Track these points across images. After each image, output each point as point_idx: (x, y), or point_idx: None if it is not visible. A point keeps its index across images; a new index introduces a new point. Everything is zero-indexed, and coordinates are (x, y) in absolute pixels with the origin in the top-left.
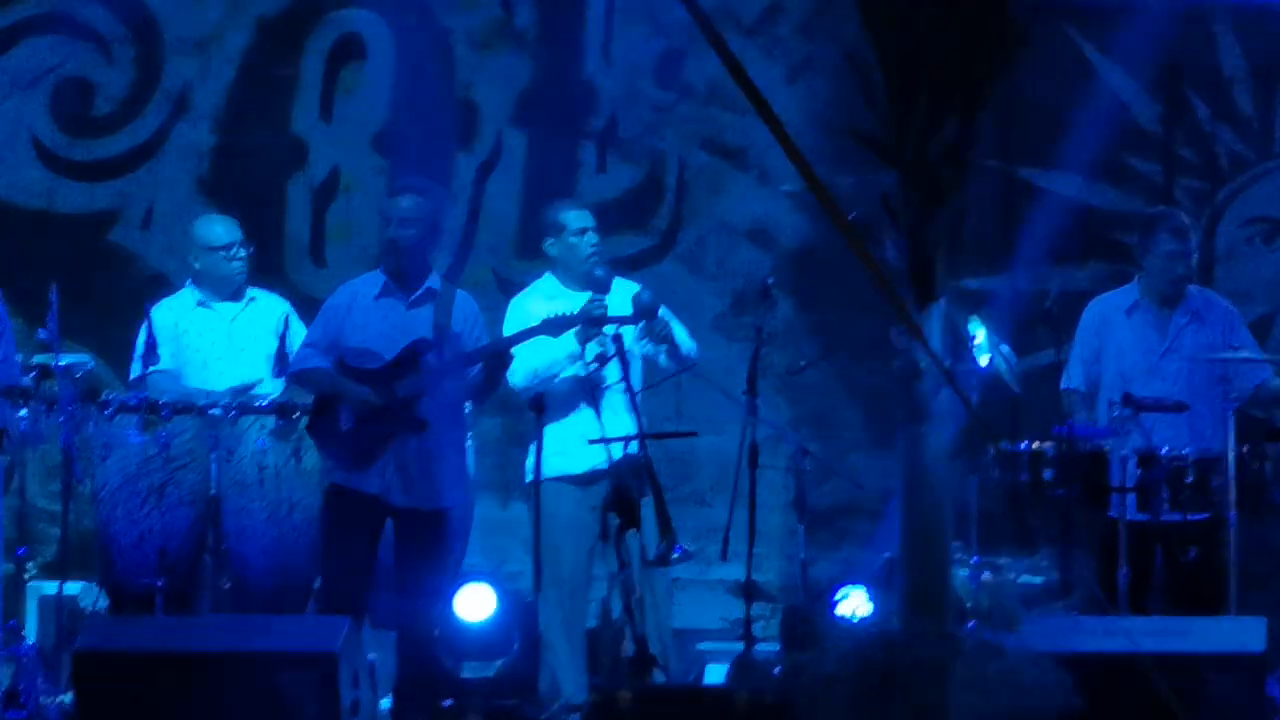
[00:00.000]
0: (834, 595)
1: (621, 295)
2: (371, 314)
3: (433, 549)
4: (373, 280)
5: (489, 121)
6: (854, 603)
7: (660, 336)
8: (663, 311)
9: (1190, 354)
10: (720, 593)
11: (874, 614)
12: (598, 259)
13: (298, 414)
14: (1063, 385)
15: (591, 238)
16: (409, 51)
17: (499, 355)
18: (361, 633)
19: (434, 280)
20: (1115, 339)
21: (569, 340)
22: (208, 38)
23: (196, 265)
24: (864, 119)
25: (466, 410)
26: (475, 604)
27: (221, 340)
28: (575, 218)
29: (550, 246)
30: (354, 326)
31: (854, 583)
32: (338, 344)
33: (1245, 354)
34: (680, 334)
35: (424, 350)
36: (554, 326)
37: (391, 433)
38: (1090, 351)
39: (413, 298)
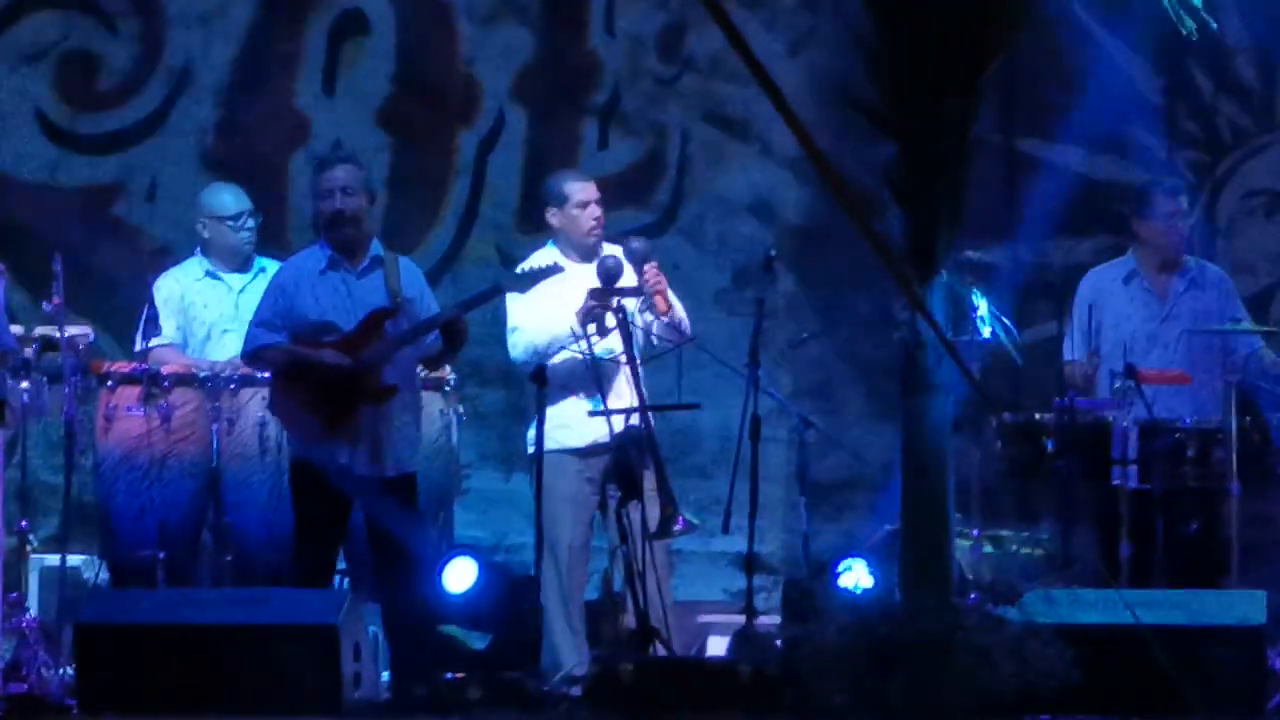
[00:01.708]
0: (836, 567)
1: (625, 270)
2: (322, 288)
3: (407, 515)
4: (316, 255)
5: (491, 97)
6: (856, 575)
7: (655, 287)
8: None
9: (1189, 322)
10: (722, 565)
11: (875, 586)
12: (600, 232)
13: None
14: (1065, 357)
15: (594, 210)
16: (411, 26)
17: (454, 322)
18: (363, 605)
19: (376, 248)
20: (1113, 309)
21: (570, 317)
22: (211, 12)
23: (205, 234)
24: (866, 92)
25: (419, 376)
26: (459, 577)
27: (229, 311)
28: (579, 189)
29: (552, 216)
30: (306, 301)
31: (856, 555)
32: (289, 322)
33: (1245, 325)
34: (674, 299)
35: (383, 319)
36: (521, 282)
37: (358, 402)
38: (1087, 324)
39: (361, 267)
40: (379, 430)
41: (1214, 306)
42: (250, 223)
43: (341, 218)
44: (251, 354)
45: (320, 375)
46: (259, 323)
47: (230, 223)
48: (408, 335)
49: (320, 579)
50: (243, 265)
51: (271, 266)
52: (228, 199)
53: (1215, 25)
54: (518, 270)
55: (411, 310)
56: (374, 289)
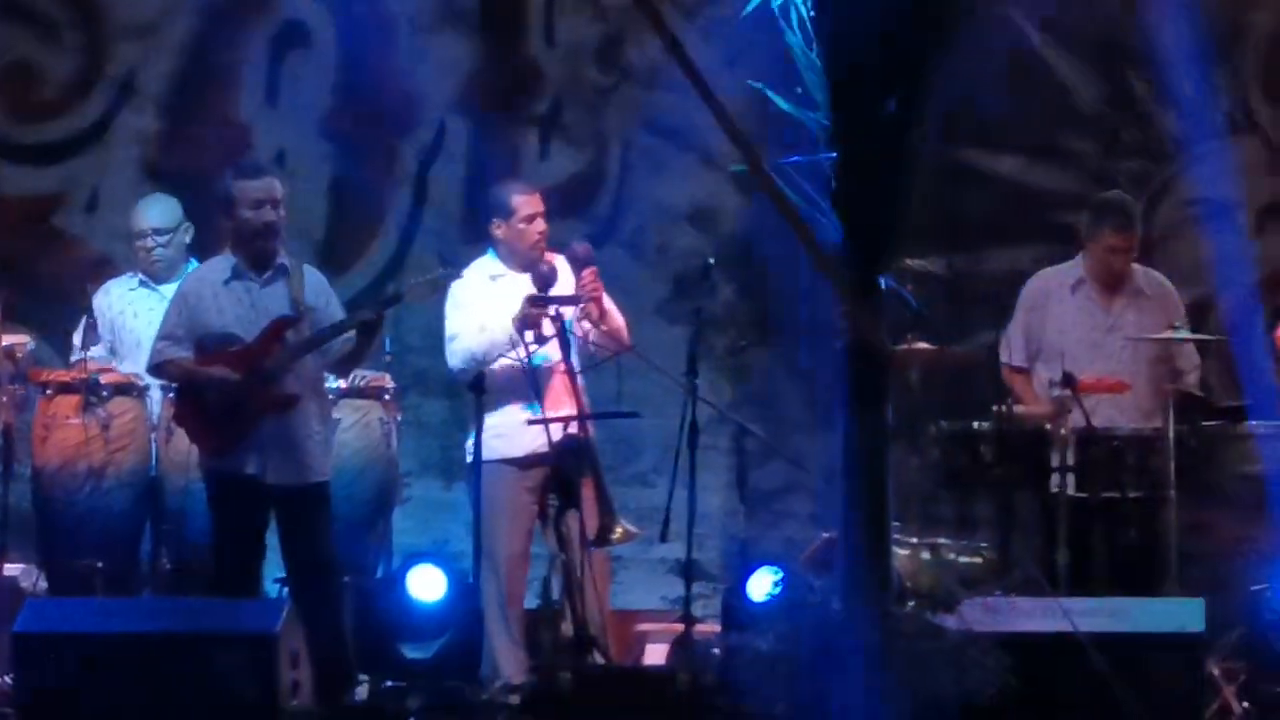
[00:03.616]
0: (747, 576)
1: (564, 278)
2: (226, 298)
3: (318, 524)
4: (220, 265)
5: (432, 107)
6: (767, 583)
7: (591, 292)
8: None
9: (1133, 333)
10: (661, 573)
11: (783, 593)
12: (543, 245)
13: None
14: (1002, 359)
15: (540, 224)
16: (352, 37)
17: (367, 324)
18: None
19: (283, 257)
20: (1057, 315)
21: (508, 326)
22: (152, 23)
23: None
24: (805, 102)
25: (329, 385)
26: (426, 585)
27: (159, 320)
28: (525, 203)
29: (496, 228)
30: (210, 312)
31: (769, 563)
32: (194, 332)
33: (1185, 334)
34: (612, 307)
35: (285, 327)
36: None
37: (261, 412)
38: (1030, 326)
39: (264, 277)
40: (286, 439)
41: (1159, 317)
42: (162, 239)
43: (273, 230)
44: (154, 368)
45: (217, 389)
46: (163, 336)
47: (139, 240)
48: (308, 344)
49: (243, 589)
50: (177, 277)
51: None
52: (143, 214)
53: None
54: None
55: (315, 319)
56: (277, 298)
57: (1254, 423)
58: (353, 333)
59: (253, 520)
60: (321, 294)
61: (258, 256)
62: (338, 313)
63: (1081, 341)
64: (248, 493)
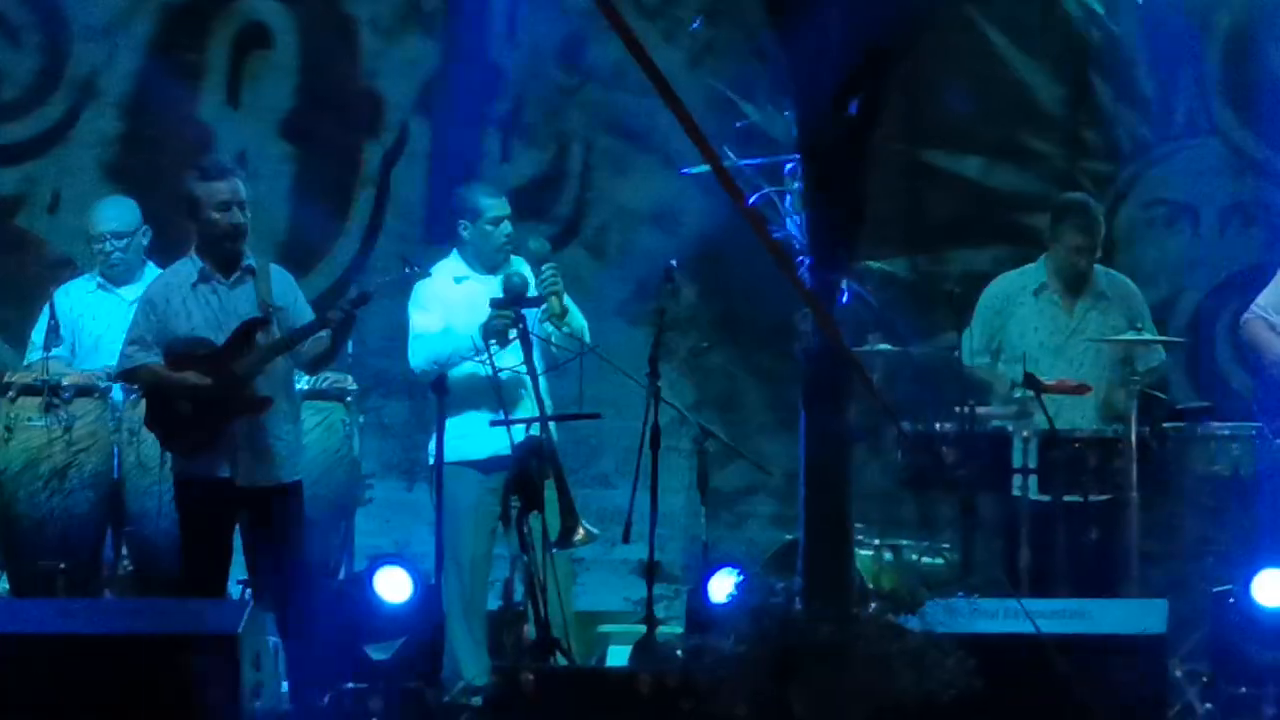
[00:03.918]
0: (709, 577)
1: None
2: (193, 302)
3: (290, 525)
4: (186, 269)
5: (394, 108)
6: (728, 584)
7: (551, 285)
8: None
9: (1095, 336)
10: (623, 574)
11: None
12: (510, 249)
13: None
14: (964, 361)
15: (506, 227)
16: (314, 39)
17: (339, 324)
18: (263, 616)
19: (250, 258)
20: (1020, 318)
21: (474, 330)
22: (114, 24)
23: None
24: (766, 102)
25: (298, 385)
26: (392, 586)
27: (118, 322)
28: (493, 206)
29: (463, 229)
30: (178, 316)
31: (730, 565)
32: (163, 337)
33: (1147, 335)
34: (573, 309)
35: (255, 329)
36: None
37: (232, 415)
38: (992, 329)
39: (232, 279)
40: (258, 442)
41: (1122, 322)
42: (120, 243)
43: (239, 232)
44: (125, 374)
45: (190, 392)
46: (132, 340)
47: (96, 243)
48: (279, 345)
49: (211, 591)
50: (135, 278)
51: None
52: (99, 217)
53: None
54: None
55: (284, 319)
56: (245, 299)
57: (1216, 424)
58: (325, 333)
59: (222, 523)
60: (289, 294)
61: (224, 259)
62: (306, 312)
63: (1044, 345)
64: (219, 495)
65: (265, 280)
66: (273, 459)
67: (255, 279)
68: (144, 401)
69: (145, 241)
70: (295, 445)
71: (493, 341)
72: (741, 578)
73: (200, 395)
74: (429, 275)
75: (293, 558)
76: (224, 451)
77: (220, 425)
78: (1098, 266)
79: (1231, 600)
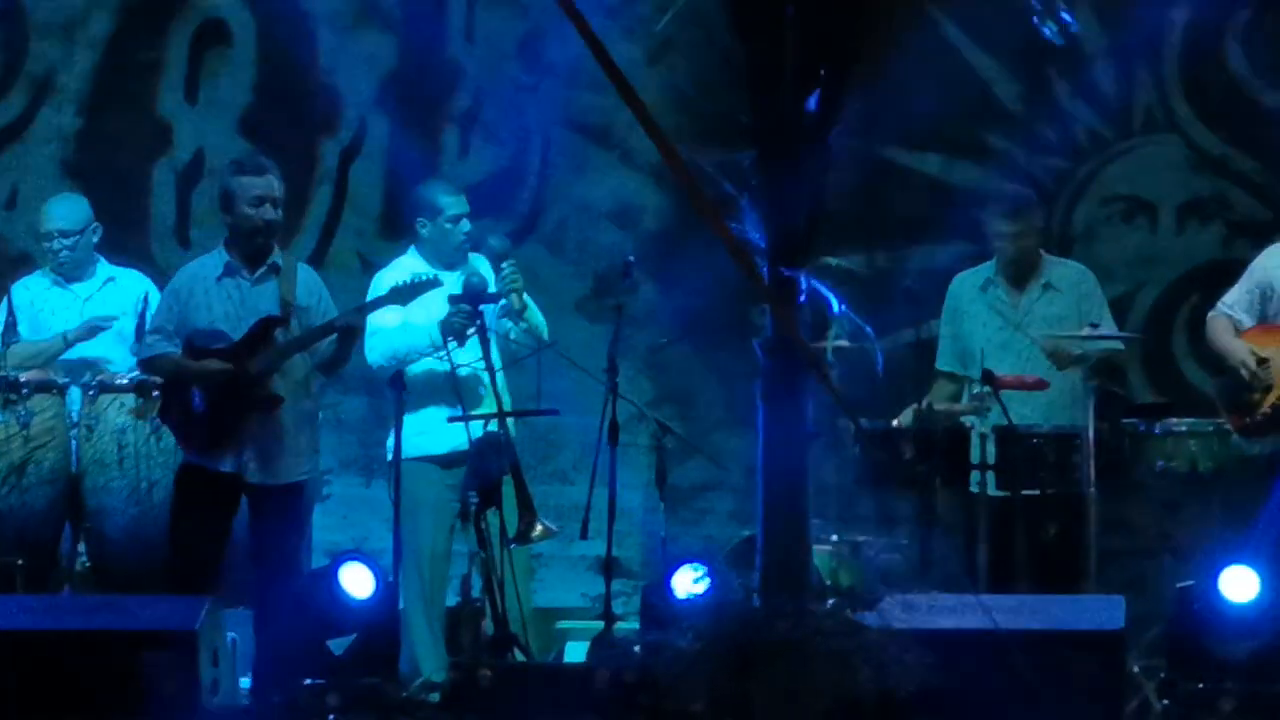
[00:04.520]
0: (671, 573)
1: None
2: (216, 295)
3: (289, 524)
4: (214, 261)
5: (352, 105)
6: (689, 580)
7: (510, 282)
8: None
9: (1042, 328)
10: (581, 570)
11: (710, 591)
12: (468, 247)
13: (157, 392)
14: (936, 366)
15: (465, 225)
16: (272, 35)
17: (349, 329)
18: (221, 611)
19: (276, 256)
20: (969, 316)
21: (431, 327)
22: (72, 21)
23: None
24: (725, 99)
25: (317, 385)
26: (356, 582)
27: (74, 319)
28: (452, 204)
29: (422, 226)
30: (199, 309)
31: (694, 560)
32: (184, 327)
33: (1086, 331)
34: (531, 305)
35: (273, 327)
36: (401, 295)
37: (245, 411)
38: (953, 331)
39: (256, 275)
40: (268, 439)
41: (1071, 312)
42: (67, 241)
43: (271, 229)
44: (146, 361)
45: (206, 384)
46: (153, 329)
47: (46, 241)
48: (294, 344)
49: (197, 584)
50: (89, 275)
51: (121, 275)
52: (49, 216)
53: (1076, 26)
54: (399, 283)
55: (305, 319)
56: (268, 296)
57: (1174, 420)
58: (334, 336)
59: (221, 518)
60: (314, 294)
61: (252, 254)
62: (330, 312)
63: (992, 341)
64: (223, 490)
65: (290, 278)
66: (281, 457)
67: (280, 277)
68: (101, 395)
69: (95, 239)
70: (308, 445)
71: (451, 338)
72: (707, 574)
73: (214, 389)
74: (440, 285)
75: (284, 557)
76: (232, 447)
77: (232, 421)
78: (1049, 257)
79: (1192, 595)
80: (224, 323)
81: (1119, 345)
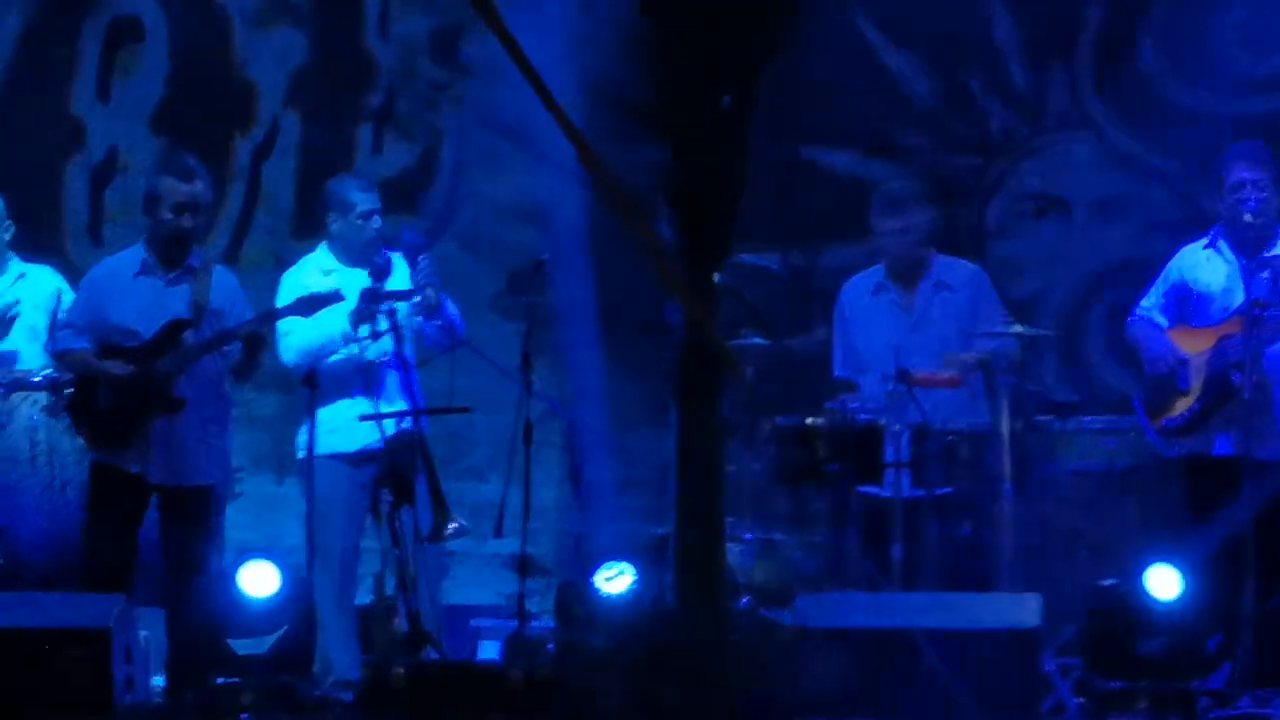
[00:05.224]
0: (595, 570)
1: (399, 272)
2: (131, 292)
3: (197, 526)
4: (132, 258)
5: (265, 101)
6: (619, 579)
7: (427, 278)
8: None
9: (938, 328)
10: (495, 567)
11: (638, 588)
12: (379, 243)
13: (69, 390)
14: (834, 373)
15: (376, 221)
16: (185, 31)
17: (255, 333)
18: (134, 609)
19: (194, 257)
20: (864, 321)
21: (342, 320)
22: None
23: None
24: (640, 95)
25: (228, 389)
26: (258, 580)
27: None
28: (364, 200)
29: (333, 222)
30: (113, 305)
31: (619, 558)
32: (98, 322)
33: (985, 329)
34: (447, 301)
35: (181, 329)
36: (305, 307)
37: (149, 411)
38: (846, 336)
39: (172, 275)
40: (173, 441)
41: (965, 308)
42: None
43: (188, 236)
44: (57, 354)
45: (112, 384)
46: (66, 324)
47: None
48: (201, 347)
49: (111, 581)
50: None
51: (34, 272)
52: None
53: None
54: (303, 295)
55: (218, 322)
56: (181, 298)
57: (1089, 418)
58: (239, 343)
59: (129, 517)
60: (229, 297)
61: (170, 255)
62: (245, 317)
63: (888, 344)
64: (129, 490)
65: (205, 281)
66: (187, 460)
67: (195, 279)
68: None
69: (8, 237)
70: (217, 449)
71: (364, 330)
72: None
73: (120, 388)
74: (343, 300)
75: (193, 560)
76: (137, 447)
77: (137, 421)
78: (939, 256)
79: (1110, 593)
80: (138, 320)
81: (1013, 343)
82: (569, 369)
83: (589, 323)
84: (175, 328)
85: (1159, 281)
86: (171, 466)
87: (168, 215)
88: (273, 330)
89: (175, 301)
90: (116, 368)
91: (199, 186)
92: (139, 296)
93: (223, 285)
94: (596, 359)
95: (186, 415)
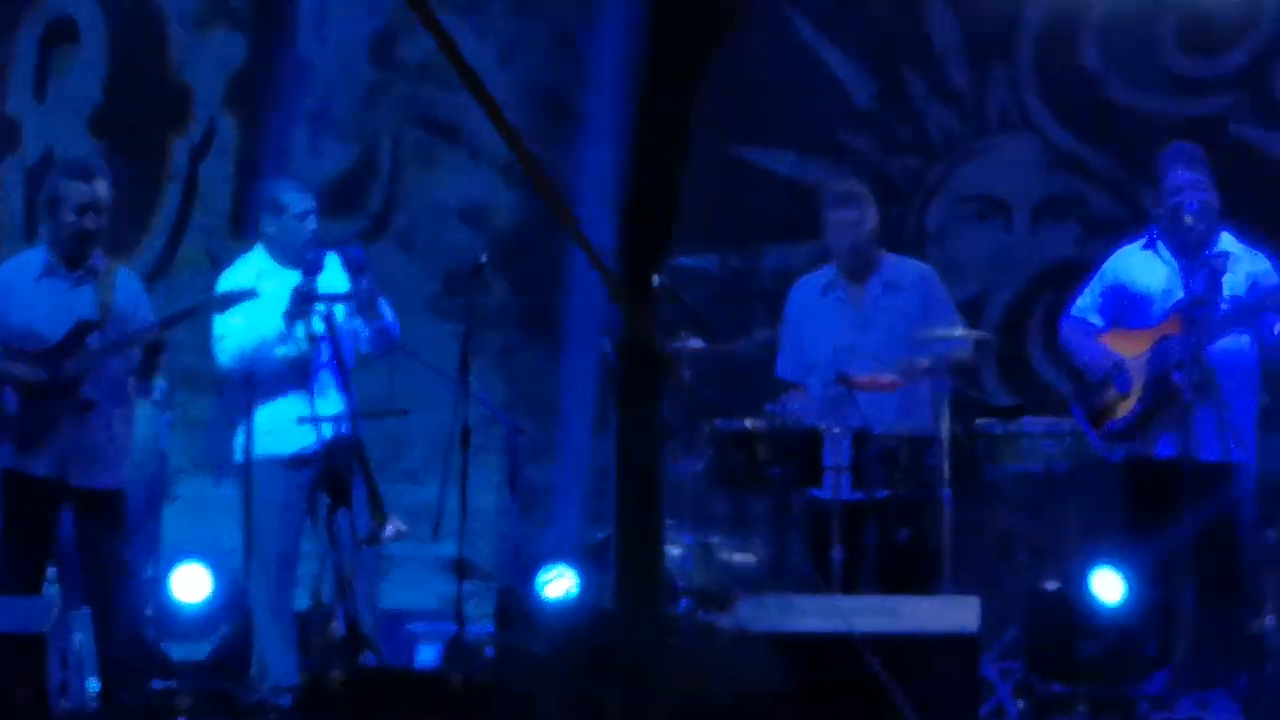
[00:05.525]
0: (538, 574)
1: (333, 272)
2: (33, 295)
3: (117, 528)
4: (34, 258)
5: (202, 103)
6: (560, 582)
7: (368, 298)
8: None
9: (887, 328)
10: (434, 570)
11: (580, 592)
12: (315, 244)
13: None
14: (777, 373)
15: (311, 222)
16: (122, 33)
17: (154, 343)
18: (69, 614)
19: (97, 259)
20: (814, 322)
21: (276, 320)
22: None
23: None
24: (577, 96)
25: (129, 387)
26: (191, 584)
27: None
28: (298, 201)
29: (267, 224)
30: (16, 308)
31: (561, 561)
32: (2, 324)
33: (940, 332)
34: (384, 305)
35: (87, 331)
36: (216, 304)
37: (58, 414)
38: (795, 336)
39: (75, 276)
40: (83, 443)
41: (915, 308)
42: None
43: (91, 238)
44: None
45: (17, 387)
46: None
47: None
48: (107, 349)
49: (28, 588)
50: None
51: None
52: None
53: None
54: (217, 292)
55: (122, 324)
56: (86, 299)
57: (1029, 421)
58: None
59: (42, 521)
60: (132, 299)
61: (73, 257)
62: (148, 319)
63: (838, 344)
64: (41, 493)
65: (108, 283)
66: (98, 461)
67: (99, 280)
68: None
69: None
70: (124, 449)
71: (299, 329)
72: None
73: (27, 391)
74: (255, 295)
75: (110, 559)
76: (48, 450)
77: (46, 423)
78: (889, 255)
79: (1051, 597)
80: (43, 323)
81: (966, 345)
82: (509, 371)
83: (528, 325)
84: (82, 329)
85: (1094, 282)
86: (83, 469)
87: (70, 216)
88: (175, 333)
89: (80, 303)
90: (23, 371)
91: (100, 187)
92: (43, 298)
93: (127, 287)
94: (535, 361)
95: (94, 417)
